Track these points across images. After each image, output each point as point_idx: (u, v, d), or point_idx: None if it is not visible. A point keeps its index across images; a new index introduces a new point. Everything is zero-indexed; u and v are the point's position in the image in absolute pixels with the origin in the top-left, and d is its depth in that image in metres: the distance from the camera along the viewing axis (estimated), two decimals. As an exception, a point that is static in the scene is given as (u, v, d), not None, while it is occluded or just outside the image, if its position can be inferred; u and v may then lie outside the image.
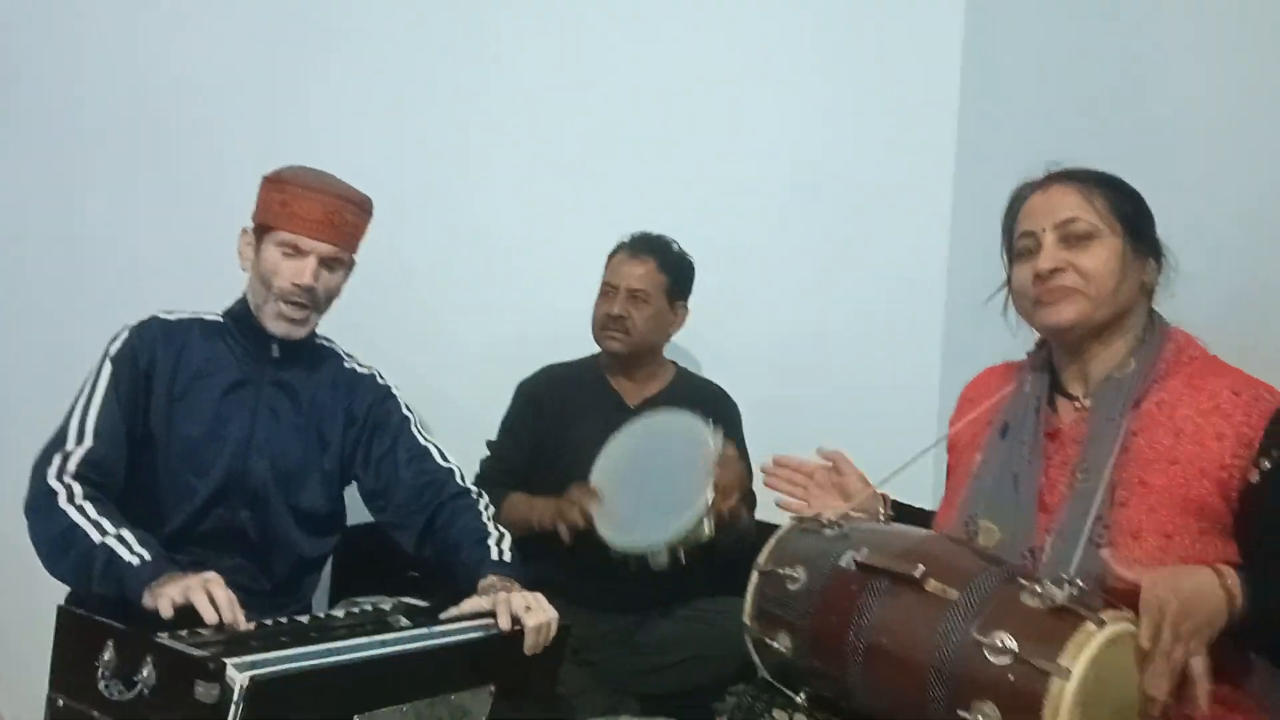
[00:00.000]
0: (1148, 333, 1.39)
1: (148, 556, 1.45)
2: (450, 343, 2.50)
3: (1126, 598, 1.23)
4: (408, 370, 2.09)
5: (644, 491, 1.93)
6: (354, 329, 1.93)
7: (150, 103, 2.41)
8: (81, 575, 1.48)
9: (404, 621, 1.45)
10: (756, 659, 1.43)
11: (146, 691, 1.19)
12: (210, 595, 1.35)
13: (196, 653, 1.19)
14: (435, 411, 2.32)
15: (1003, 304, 1.53)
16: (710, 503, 1.85)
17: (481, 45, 2.54)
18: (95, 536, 1.47)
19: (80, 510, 1.51)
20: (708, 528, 1.85)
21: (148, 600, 1.39)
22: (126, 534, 1.48)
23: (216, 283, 1.79)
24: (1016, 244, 1.45)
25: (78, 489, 1.53)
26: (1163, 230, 1.43)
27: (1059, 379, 1.46)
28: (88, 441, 1.59)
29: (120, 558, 1.44)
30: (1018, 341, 1.57)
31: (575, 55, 2.57)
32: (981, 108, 2.57)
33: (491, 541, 1.67)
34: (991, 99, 2.53)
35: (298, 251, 1.70)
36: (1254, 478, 1.26)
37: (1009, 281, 1.50)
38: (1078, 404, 1.41)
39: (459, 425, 2.29)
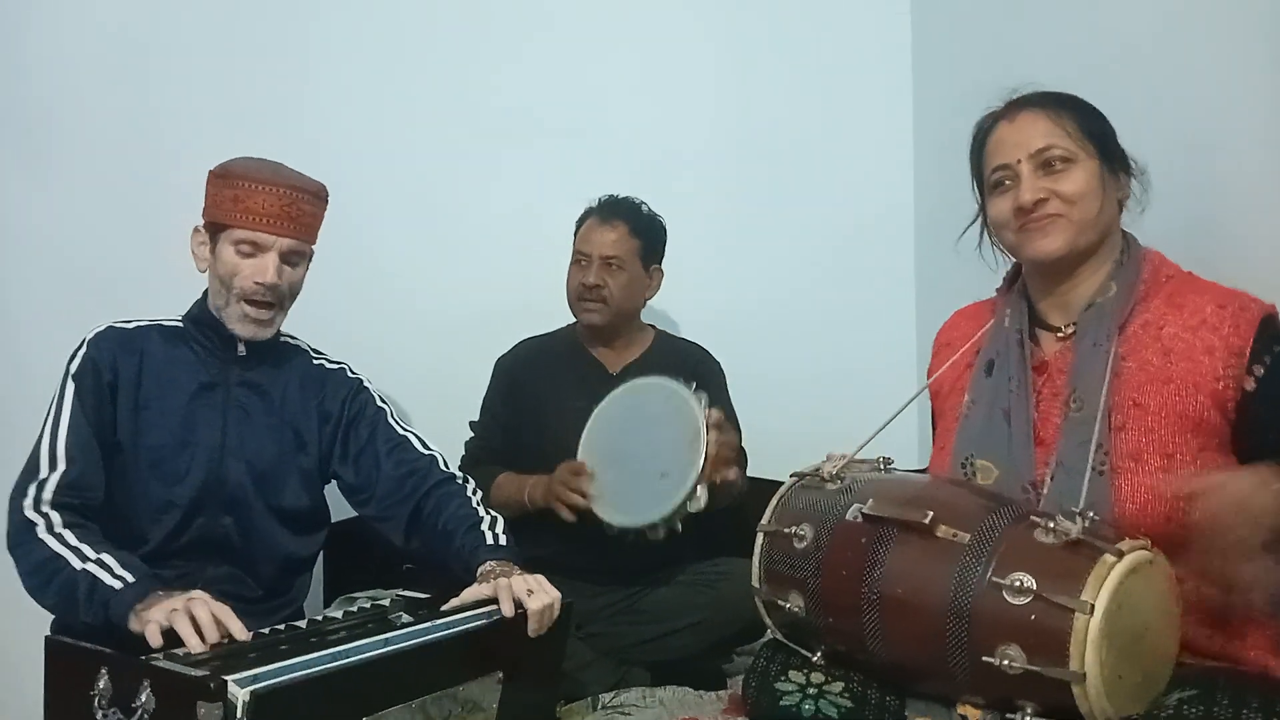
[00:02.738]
0: (1125, 255, 1.39)
1: (130, 579, 1.41)
2: (423, 324, 2.44)
3: (1136, 525, 1.22)
4: (383, 357, 2.03)
5: (634, 466, 1.88)
6: (324, 318, 1.88)
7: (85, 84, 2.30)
8: (67, 604, 1.44)
9: (405, 618, 1.41)
10: (768, 621, 1.42)
11: (146, 717, 1.15)
12: (194, 616, 1.30)
13: (195, 673, 1.15)
14: (414, 395, 2.28)
15: (976, 241, 1.51)
16: (703, 472, 1.79)
17: (427, 10, 2.48)
18: (76, 563, 1.43)
19: (59, 539, 1.47)
20: (703, 498, 1.81)
21: (134, 625, 1.35)
22: (107, 558, 1.44)
23: (165, 284, 1.73)
24: (990, 177, 1.43)
25: (56, 518, 1.50)
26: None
27: (1036, 311, 1.44)
28: (61, 465, 1.54)
29: (103, 582, 1.40)
30: (992, 279, 1.54)
31: (517, 11, 2.52)
32: (935, 41, 2.53)
33: (484, 526, 1.63)
34: (945, 31, 2.49)
35: (257, 248, 1.63)
36: (1249, 386, 1.26)
37: (984, 217, 1.47)
38: (1060, 334, 1.40)
39: (440, 407, 2.23)
